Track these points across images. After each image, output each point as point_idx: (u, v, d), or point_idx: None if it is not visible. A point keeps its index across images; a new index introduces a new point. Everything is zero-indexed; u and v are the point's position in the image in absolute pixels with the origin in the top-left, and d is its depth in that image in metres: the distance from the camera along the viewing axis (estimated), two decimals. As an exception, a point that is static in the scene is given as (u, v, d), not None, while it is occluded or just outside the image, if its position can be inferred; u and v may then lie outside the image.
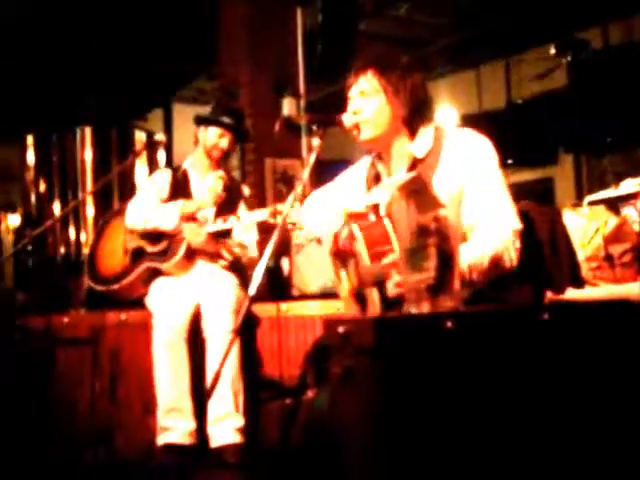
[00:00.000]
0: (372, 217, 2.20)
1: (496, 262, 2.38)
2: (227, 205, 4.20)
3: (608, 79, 7.53)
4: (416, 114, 2.58)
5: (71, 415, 3.91)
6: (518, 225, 2.45)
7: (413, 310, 1.88)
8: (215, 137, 4.22)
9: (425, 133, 2.58)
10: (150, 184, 4.40)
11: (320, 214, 2.79)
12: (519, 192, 2.76)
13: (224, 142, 4.23)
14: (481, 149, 2.53)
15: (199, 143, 4.30)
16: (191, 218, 4.07)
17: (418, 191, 1.93)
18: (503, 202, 2.47)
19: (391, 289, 2.10)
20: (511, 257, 2.40)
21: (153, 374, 3.80)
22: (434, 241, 1.86)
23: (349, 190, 2.77)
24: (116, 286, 4.19)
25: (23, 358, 3.84)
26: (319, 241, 2.83)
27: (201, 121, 4.29)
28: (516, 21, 7.80)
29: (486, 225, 2.43)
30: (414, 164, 2.54)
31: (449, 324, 1.72)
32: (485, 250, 2.37)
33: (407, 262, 1.90)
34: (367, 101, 2.58)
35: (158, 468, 3.66)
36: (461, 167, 2.48)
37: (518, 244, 2.43)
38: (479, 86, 9.43)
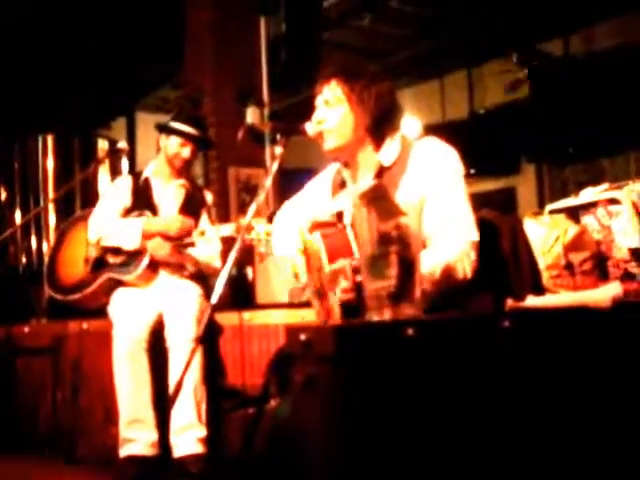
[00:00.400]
0: (336, 226, 2.21)
1: (448, 273, 2.38)
2: (190, 212, 4.18)
3: (570, 89, 7.61)
4: (381, 123, 2.57)
5: (33, 423, 3.88)
6: (474, 237, 2.45)
7: (374, 317, 1.88)
8: (177, 146, 4.19)
9: (392, 142, 2.58)
10: (111, 194, 4.35)
11: (288, 234, 2.76)
12: (481, 201, 2.77)
13: (186, 152, 4.20)
14: (445, 159, 2.53)
15: (161, 150, 4.28)
16: (148, 236, 4.03)
17: (379, 199, 1.93)
18: (461, 213, 2.47)
19: (339, 295, 2.09)
20: (465, 268, 2.40)
21: (114, 384, 3.78)
22: (395, 249, 1.86)
23: (316, 197, 2.77)
24: (76, 296, 4.15)
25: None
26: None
27: (163, 129, 4.27)
28: (478, 32, 7.85)
29: (442, 235, 2.42)
30: (380, 172, 2.55)
31: (410, 331, 1.73)
32: (438, 261, 2.36)
33: (369, 269, 1.91)
34: (331, 110, 2.58)
35: (120, 478, 3.63)
36: (425, 176, 2.48)
37: (473, 256, 2.42)
38: (442, 96, 9.49)
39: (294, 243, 2.51)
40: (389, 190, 2.21)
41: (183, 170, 4.31)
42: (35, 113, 7.81)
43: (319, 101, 2.62)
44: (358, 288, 2.03)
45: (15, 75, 7.89)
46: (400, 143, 2.58)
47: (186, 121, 4.24)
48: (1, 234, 4.08)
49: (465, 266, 2.40)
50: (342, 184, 2.67)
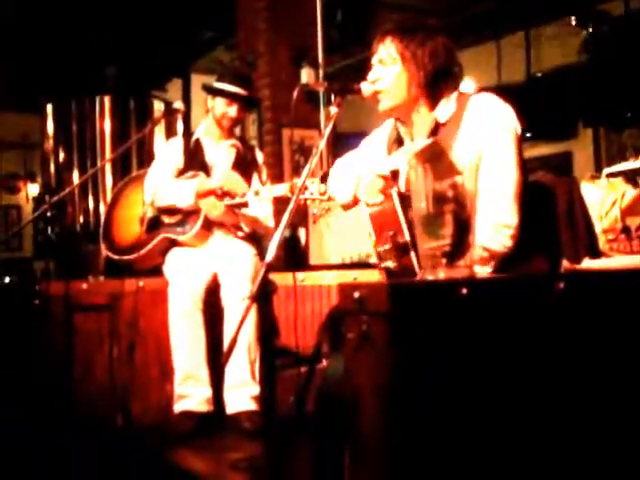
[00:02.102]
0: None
1: (484, 253, 2.37)
2: (242, 172, 4.21)
3: (630, 51, 7.44)
4: (436, 81, 2.51)
5: (89, 380, 3.95)
6: (508, 220, 2.40)
7: (429, 276, 1.89)
8: (223, 106, 4.22)
9: (448, 100, 2.54)
10: (163, 155, 4.40)
11: (345, 179, 2.77)
12: (538, 166, 2.73)
13: (232, 111, 4.22)
14: (500, 119, 2.47)
15: (209, 112, 4.30)
16: (208, 194, 4.07)
17: (436, 158, 1.92)
18: (502, 188, 2.41)
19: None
20: (498, 246, 2.39)
21: (170, 341, 3.84)
22: (451, 208, 1.86)
23: (372, 152, 2.76)
24: (132, 256, 4.22)
25: (42, 323, 3.87)
26: (346, 207, 2.82)
27: (209, 90, 4.29)
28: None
29: (483, 208, 2.37)
30: (436, 129, 2.52)
31: (464, 291, 1.73)
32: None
33: (424, 229, 1.91)
34: (385, 69, 2.56)
35: (175, 434, 3.70)
36: (479, 132, 2.43)
37: (505, 237, 2.39)
38: (499, 59, 9.35)
39: (350, 191, 2.53)
40: (444, 148, 2.19)
41: (232, 130, 4.34)
42: (93, 75, 7.89)
43: (374, 60, 2.59)
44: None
45: (74, 37, 7.97)
46: (456, 100, 2.54)
47: (231, 81, 4.25)
48: (60, 194, 4.12)
49: (497, 246, 2.38)
50: (398, 141, 2.66)
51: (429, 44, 2.50)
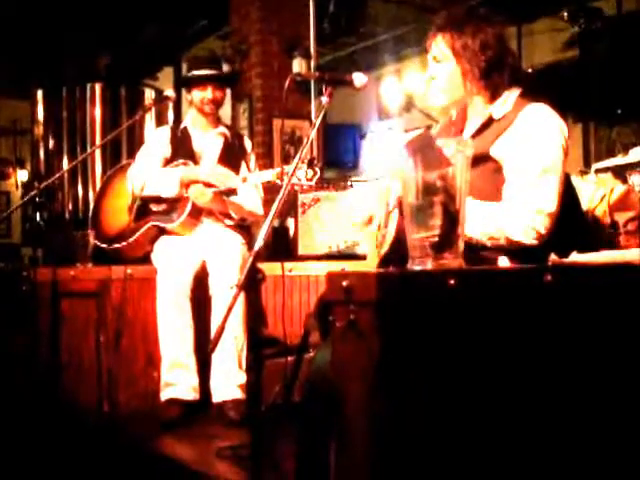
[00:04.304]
0: None
1: (509, 240, 2.33)
2: (230, 160, 4.21)
3: (621, 48, 7.46)
4: (490, 73, 2.47)
5: (76, 366, 3.96)
6: (548, 207, 2.35)
7: (417, 267, 1.89)
8: (198, 93, 4.22)
9: (509, 95, 2.50)
10: (149, 145, 4.39)
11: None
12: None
13: (208, 93, 4.21)
14: (547, 126, 2.43)
15: (192, 103, 4.31)
16: (187, 185, 4.06)
17: (426, 148, 1.93)
18: (543, 179, 2.36)
19: None
20: (527, 237, 2.34)
21: (157, 329, 3.84)
22: (440, 199, 1.86)
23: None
24: (121, 245, 4.21)
25: (29, 309, 3.87)
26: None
27: (182, 84, 4.32)
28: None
29: (517, 194, 2.36)
30: (488, 123, 2.49)
31: (452, 281, 1.74)
32: (500, 225, 2.32)
33: (412, 219, 1.91)
34: (440, 66, 2.52)
35: (161, 421, 3.71)
36: (522, 138, 2.40)
37: (540, 225, 2.33)
38: (490, 53, 9.36)
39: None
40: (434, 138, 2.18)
41: (217, 115, 4.33)
42: (84, 62, 7.87)
43: (429, 58, 2.56)
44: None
45: (67, 24, 7.95)
46: (515, 100, 2.49)
47: (198, 66, 4.26)
48: (49, 181, 4.12)
49: (526, 237, 2.33)
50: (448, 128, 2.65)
51: (479, 36, 2.45)
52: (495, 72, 2.48)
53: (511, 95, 2.51)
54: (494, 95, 2.51)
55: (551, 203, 2.36)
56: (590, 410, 1.91)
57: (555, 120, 2.46)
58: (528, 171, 2.37)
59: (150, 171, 4.14)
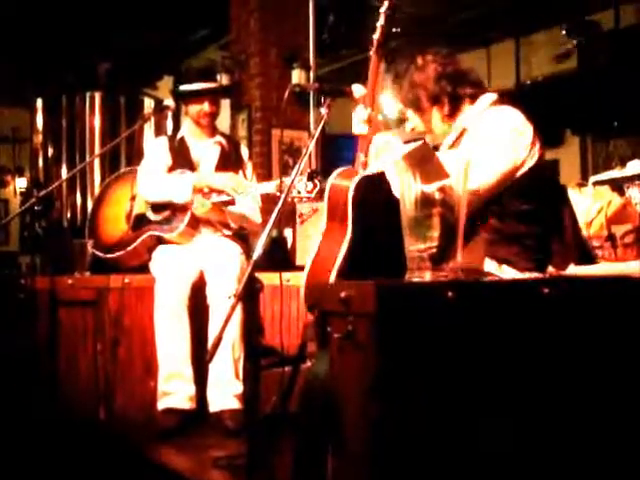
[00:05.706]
0: None
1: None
2: (227, 169, 4.20)
3: (618, 62, 7.49)
4: (444, 101, 2.64)
5: (73, 375, 3.95)
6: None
7: (415, 278, 1.90)
8: (195, 106, 4.22)
9: (477, 104, 2.66)
10: (154, 152, 4.39)
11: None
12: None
13: (205, 106, 4.21)
14: (503, 117, 2.56)
15: (187, 114, 4.32)
16: (199, 191, 4.06)
17: (424, 160, 1.94)
18: (486, 155, 2.42)
19: None
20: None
21: (154, 338, 3.84)
22: (438, 211, 1.87)
23: None
24: (118, 254, 4.21)
25: (27, 318, 3.86)
26: None
27: (178, 98, 4.32)
28: (528, 1, 7.77)
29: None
30: (463, 133, 2.61)
31: (450, 294, 1.75)
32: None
33: (411, 231, 1.92)
34: (412, 115, 2.74)
35: (158, 431, 3.70)
36: (480, 131, 2.51)
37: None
38: (489, 66, 9.39)
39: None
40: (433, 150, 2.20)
41: (214, 126, 4.33)
42: (84, 71, 7.87)
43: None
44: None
45: (67, 33, 7.96)
46: (484, 108, 2.64)
47: (194, 79, 4.24)
48: (47, 189, 4.13)
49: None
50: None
51: (416, 80, 2.67)
52: (446, 99, 2.66)
53: (481, 103, 2.65)
54: (454, 113, 2.67)
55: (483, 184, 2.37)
56: (589, 419, 1.92)
57: (513, 112, 2.59)
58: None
59: (160, 177, 4.15)
